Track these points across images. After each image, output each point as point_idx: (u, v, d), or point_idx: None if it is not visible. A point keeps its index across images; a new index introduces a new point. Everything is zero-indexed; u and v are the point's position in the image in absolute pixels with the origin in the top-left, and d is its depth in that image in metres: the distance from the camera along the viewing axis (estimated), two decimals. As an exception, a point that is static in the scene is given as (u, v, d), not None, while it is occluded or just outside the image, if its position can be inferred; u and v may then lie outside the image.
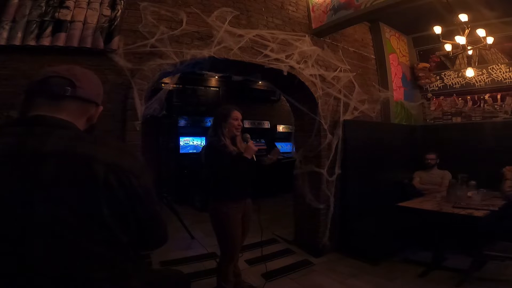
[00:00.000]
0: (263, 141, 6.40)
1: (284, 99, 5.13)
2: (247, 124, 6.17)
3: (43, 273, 0.66)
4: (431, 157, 3.72)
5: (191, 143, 6.00)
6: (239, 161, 1.97)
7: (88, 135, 0.82)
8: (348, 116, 3.47)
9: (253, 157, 2.01)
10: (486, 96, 3.96)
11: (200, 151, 5.40)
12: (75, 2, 2.14)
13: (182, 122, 5.90)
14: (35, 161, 0.68)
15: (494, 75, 3.88)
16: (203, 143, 5.93)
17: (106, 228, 0.71)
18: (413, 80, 4.49)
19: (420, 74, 4.42)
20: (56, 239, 0.66)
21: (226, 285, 2.10)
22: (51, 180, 0.67)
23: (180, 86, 6.04)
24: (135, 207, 0.76)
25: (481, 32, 3.06)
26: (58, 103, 0.79)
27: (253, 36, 2.83)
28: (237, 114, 2.09)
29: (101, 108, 0.91)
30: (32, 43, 1.97)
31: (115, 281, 0.75)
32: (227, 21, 2.69)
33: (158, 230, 0.90)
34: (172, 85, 5.04)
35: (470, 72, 3.74)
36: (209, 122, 6.03)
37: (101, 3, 2.22)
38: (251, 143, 2.02)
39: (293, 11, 3.30)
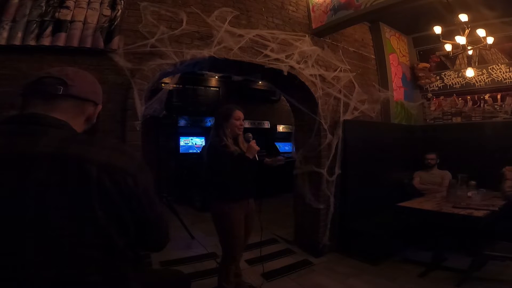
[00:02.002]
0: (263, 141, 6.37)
1: (284, 99, 5.13)
2: (247, 124, 6.11)
3: (36, 276, 0.64)
4: (431, 157, 3.72)
5: (191, 143, 6.00)
6: (241, 161, 1.96)
7: (82, 135, 0.80)
8: (348, 116, 3.46)
9: (255, 156, 2.00)
10: (486, 96, 3.95)
11: (201, 151, 5.41)
12: (75, 2, 2.14)
13: (182, 122, 5.90)
14: (25, 162, 0.66)
15: (494, 75, 3.87)
16: (203, 143, 5.93)
17: (101, 230, 0.69)
18: (413, 80, 4.49)
19: (420, 74, 4.42)
20: (49, 242, 0.65)
21: (227, 285, 2.10)
22: (43, 182, 0.65)
23: (180, 86, 6.04)
24: (132, 208, 0.73)
25: (481, 32, 3.05)
26: (52, 102, 0.78)
27: (253, 36, 2.83)
28: (239, 114, 2.09)
29: (100, 107, 0.89)
30: (32, 43, 1.97)
31: (112, 284, 0.73)
32: (227, 21, 2.69)
33: (159, 231, 0.87)
34: (172, 85, 5.06)
35: (470, 72, 3.74)
36: (209, 122, 6.03)
37: (101, 3, 2.22)
38: (253, 143, 2.01)
39: (293, 11, 3.29)
